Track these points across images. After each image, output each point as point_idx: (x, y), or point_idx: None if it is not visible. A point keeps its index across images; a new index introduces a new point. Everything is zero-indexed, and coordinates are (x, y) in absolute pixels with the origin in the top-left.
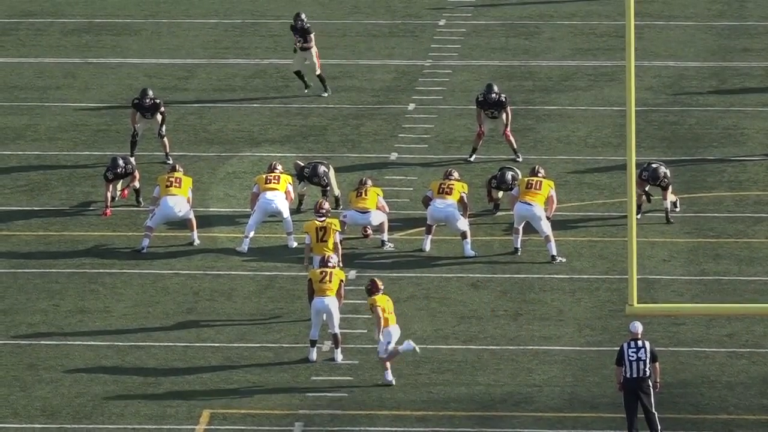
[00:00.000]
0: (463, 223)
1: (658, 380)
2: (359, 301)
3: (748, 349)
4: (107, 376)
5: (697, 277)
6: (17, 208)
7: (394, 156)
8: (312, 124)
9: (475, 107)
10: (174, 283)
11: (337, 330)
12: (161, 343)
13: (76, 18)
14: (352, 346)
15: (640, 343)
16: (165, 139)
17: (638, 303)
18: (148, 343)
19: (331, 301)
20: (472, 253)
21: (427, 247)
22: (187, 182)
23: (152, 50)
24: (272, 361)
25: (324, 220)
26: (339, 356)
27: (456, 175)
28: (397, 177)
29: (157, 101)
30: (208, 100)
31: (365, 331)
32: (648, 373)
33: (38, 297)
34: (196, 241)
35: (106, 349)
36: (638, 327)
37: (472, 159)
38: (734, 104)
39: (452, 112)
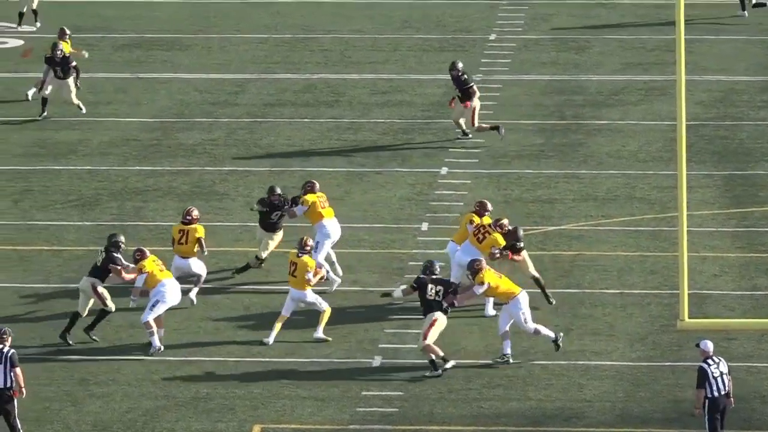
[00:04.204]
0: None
1: (731, 396)
2: (409, 317)
3: None
4: (158, 391)
5: (749, 292)
6: (69, 223)
7: (444, 170)
8: (362, 138)
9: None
10: (224, 299)
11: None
12: (212, 358)
13: (127, 33)
14: (403, 361)
15: (716, 359)
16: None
17: (689, 318)
18: (198, 358)
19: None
20: (492, 313)
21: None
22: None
23: (203, 65)
24: (323, 376)
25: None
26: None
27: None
28: (448, 192)
29: (68, 55)
30: (259, 115)
31: (414, 346)
32: (730, 391)
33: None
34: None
35: (157, 363)
36: (709, 345)
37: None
38: None
39: (503, 127)
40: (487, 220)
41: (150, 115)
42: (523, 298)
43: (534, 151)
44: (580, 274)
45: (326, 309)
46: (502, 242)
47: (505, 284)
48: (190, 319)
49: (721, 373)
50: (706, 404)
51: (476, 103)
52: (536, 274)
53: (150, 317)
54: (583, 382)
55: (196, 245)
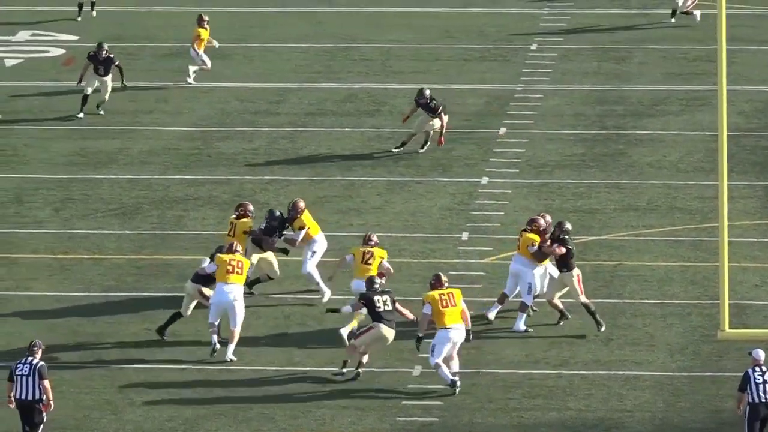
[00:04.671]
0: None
1: None
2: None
3: None
4: (198, 400)
5: None
6: (109, 232)
7: (485, 180)
8: (404, 148)
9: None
10: (265, 307)
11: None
12: (252, 367)
13: (168, 42)
14: None
15: (765, 368)
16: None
17: (730, 328)
18: (238, 367)
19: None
20: (522, 328)
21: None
22: (247, 265)
23: (244, 74)
24: (363, 386)
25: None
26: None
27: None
28: (489, 201)
29: (112, 56)
30: (300, 125)
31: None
32: None
33: (130, 321)
34: (231, 357)
35: (197, 372)
36: (761, 354)
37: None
38: None
39: (543, 137)
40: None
41: (191, 124)
42: (455, 334)
43: (575, 161)
44: (620, 284)
45: None
46: (537, 239)
47: (448, 313)
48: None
49: (765, 381)
50: (747, 410)
51: (445, 121)
52: (586, 300)
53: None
54: (623, 392)
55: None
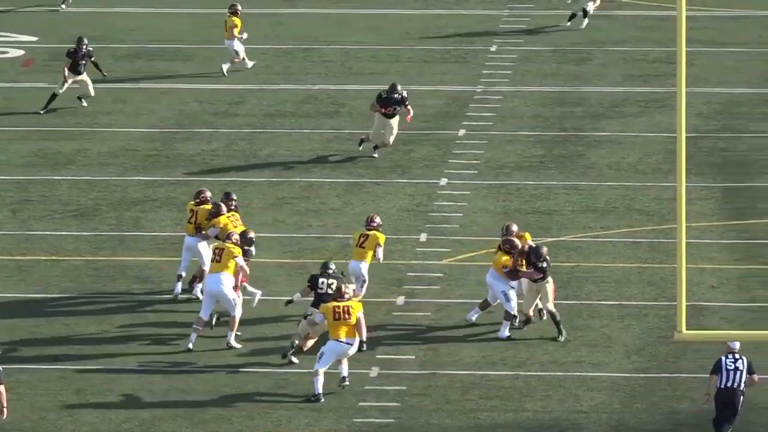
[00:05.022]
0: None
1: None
2: (408, 327)
3: None
4: (155, 402)
5: (747, 304)
6: (67, 233)
7: (444, 182)
8: (363, 149)
9: (376, 102)
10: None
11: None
12: (209, 368)
13: (128, 44)
14: (400, 371)
15: (737, 356)
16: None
17: (687, 329)
18: (195, 368)
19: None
20: (506, 334)
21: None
22: (229, 254)
23: (203, 76)
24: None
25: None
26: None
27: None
28: (447, 203)
29: (91, 49)
30: (259, 126)
31: (412, 357)
32: (743, 387)
33: (87, 322)
34: (233, 344)
35: (154, 374)
36: (737, 344)
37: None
38: None
39: (502, 138)
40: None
41: (149, 126)
42: (345, 348)
43: (534, 163)
44: (577, 286)
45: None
46: (509, 263)
47: (339, 326)
48: (188, 329)
49: (736, 368)
50: (715, 394)
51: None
52: (553, 309)
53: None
54: (580, 393)
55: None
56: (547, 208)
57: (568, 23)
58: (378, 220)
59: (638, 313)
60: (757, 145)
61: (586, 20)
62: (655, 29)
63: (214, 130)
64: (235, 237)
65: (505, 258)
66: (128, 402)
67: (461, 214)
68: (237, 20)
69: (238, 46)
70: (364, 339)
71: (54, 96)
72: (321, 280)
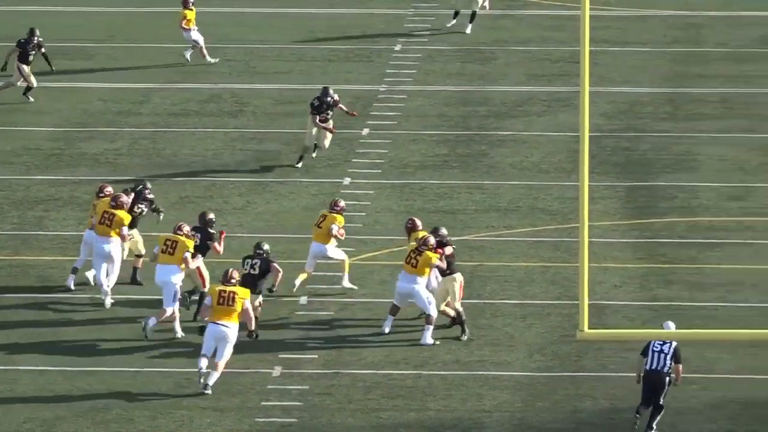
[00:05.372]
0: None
1: (678, 381)
2: (311, 326)
3: (699, 375)
4: (56, 402)
5: (649, 303)
6: None
7: (347, 181)
8: (266, 149)
9: (311, 111)
10: (124, 309)
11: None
12: (111, 368)
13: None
14: (302, 371)
15: (667, 341)
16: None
17: (589, 328)
18: (98, 368)
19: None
20: (430, 342)
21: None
22: (183, 247)
23: (107, 74)
24: (222, 386)
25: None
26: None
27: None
28: (351, 202)
29: (41, 40)
30: (163, 125)
31: (315, 356)
32: (668, 369)
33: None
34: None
35: (56, 374)
36: (671, 325)
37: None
38: (688, 130)
39: (407, 138)
40: (421, 233)
41: (53, 125)
42: (219, 330)
43: (437, 162)
44: (480, 285)
45: (346, 259)
46: (435, 256)
47: (219, 310)
48: (89, 329)
49: (662, 351)
50: (642, 375)
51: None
52: (459, 308)
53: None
54: (483, 392)
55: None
56: (451, 208)
57: (452, 22)
58: (342, 204)
59: (541, 312)
60: (660, 145)
61: (470, 25)
62: (559, 29)
63: (117, 129)
64: (186, 228)
65: (432, 255)
66: (30, 402)
67: (364, 214)
68: (188, 12)
69: (196, 35)
70: (253, 329)
71: (9, 85)
72: (246, 260)
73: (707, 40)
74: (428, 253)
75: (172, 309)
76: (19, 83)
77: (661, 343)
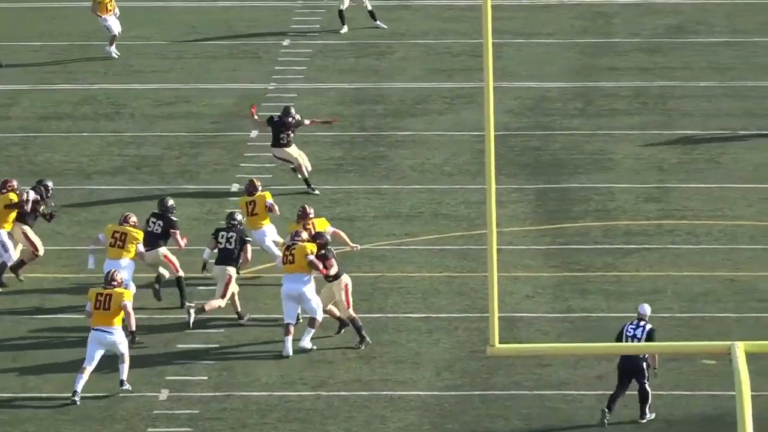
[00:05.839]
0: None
1: (655, 367)
2: (200, 346)
3: None
4: None
5: (564, 314)
6: None
7: (235, 187)
8: (146, 153)
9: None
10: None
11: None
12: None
13: None
14: (192, 394)
15: (641, 324)
16: None
17: (500, 343)
18: None
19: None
20: (309, 346)
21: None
22: (133, 238)
23: None
24: (107, 411)
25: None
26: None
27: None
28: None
29: None
30: (33, 129)
31: (205, 378)
32: (642, 354)
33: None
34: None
35: None
36: (647, 309)
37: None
38: (601, 127)
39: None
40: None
41: None
42: (101, 336)
43: (332, 165)
44: (382, 297)
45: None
46: (313, 247)
47: (97, 315)
48: None
49: (634, 336)
50: (617, 363)
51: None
52: (353, 314)
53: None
54: (387, 414)
55: None
56: (348, 214)
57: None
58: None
59: (448, 326)
60: (571, 143)
61: (378, 21)
62: (459, 20)
63: None
64: (133, 219)
65: (309, 246)
66: None
67: None
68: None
69: (112, 21)
70: (133, 329)
71: None
72: (221, 233)
73: (618, 30)
74: (301, 244)
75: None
76: None
77: (634, 327)
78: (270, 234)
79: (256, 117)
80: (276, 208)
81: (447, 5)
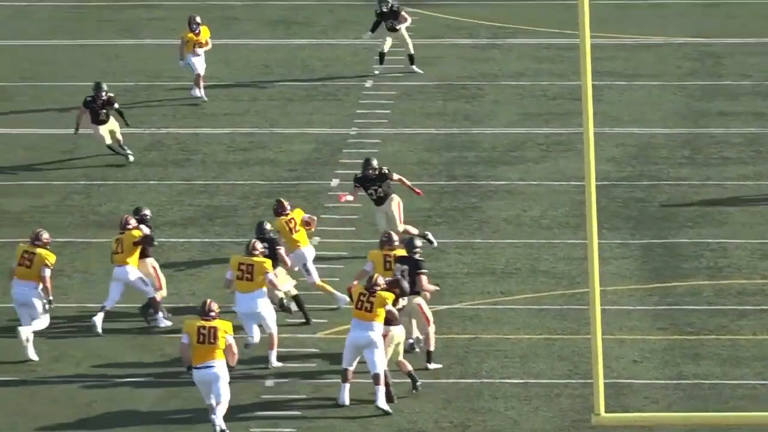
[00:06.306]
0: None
1: None
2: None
3: None
4: None
5: (674, 381)
6: None
7: (316, 241)
8: (219, 203)
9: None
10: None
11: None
12: None
13: None
14: None
15: None
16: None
17: (606, 412)
18: None
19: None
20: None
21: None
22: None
23: (31, 118)
24: None
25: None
26: None
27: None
28: (322, 266)
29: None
30: (98, 177)
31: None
32: None
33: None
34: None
35: None
36: None
37: None
38: (711, 177)
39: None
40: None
41: None
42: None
43: (420, 218)
44: (477, 361)
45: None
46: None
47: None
48: None
49: None
50: None
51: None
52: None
53: None
54: None
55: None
56: (438, 270)
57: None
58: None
59: (549, 393)
60: (679, 194)
61: (381, 65)
62: (555, 60)
63: (46, 183)
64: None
65: (389, 295)
66: None
67: (338, 279)
68: (189, 35)
69: (196, 60)
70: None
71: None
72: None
73: (729, 71)
74: (381, 293)
75: None
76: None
77: None
78: (309, 255)
79: (349, 197)
80: (314, 221)
81: (542, 44)
